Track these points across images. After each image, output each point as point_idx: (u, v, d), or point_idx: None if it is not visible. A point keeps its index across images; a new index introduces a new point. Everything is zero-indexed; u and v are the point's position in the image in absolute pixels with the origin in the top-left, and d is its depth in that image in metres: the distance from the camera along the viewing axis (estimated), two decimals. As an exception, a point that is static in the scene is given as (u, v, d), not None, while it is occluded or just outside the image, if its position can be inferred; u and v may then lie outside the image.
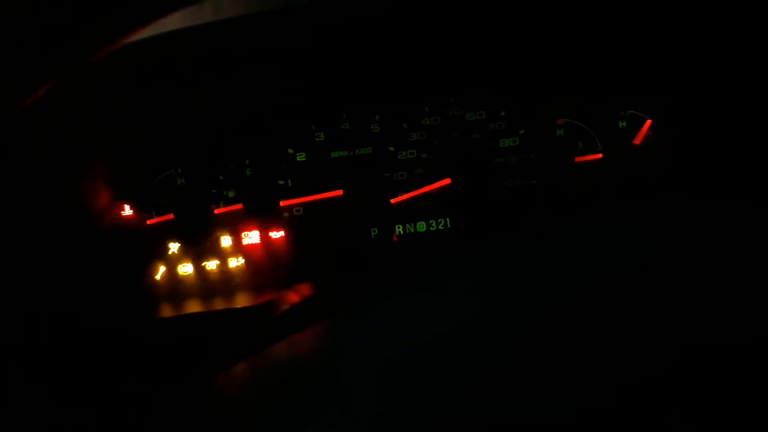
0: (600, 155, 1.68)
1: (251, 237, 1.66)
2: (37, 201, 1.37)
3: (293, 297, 1.53)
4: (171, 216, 1.66)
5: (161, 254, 1.64)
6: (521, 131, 1.67)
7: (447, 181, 1.65)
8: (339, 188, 1.66)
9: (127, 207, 1.65)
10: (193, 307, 1.58)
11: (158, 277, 1.64)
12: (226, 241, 1.65)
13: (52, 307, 1.35)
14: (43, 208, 1.40)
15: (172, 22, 1.27)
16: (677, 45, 1.53)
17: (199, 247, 1.66)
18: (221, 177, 1.66)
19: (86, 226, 1.54)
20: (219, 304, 1.58)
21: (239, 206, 1.66)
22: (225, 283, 1.66)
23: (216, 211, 1.66)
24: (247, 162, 1.67)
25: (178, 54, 1.34)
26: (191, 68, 1.40)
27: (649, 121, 1.68)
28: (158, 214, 1.66)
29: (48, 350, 1.26)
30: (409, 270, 1.63)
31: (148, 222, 1.65)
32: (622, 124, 1.69)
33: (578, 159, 1.68)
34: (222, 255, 1.65)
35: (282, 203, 1.66)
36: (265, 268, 1.65)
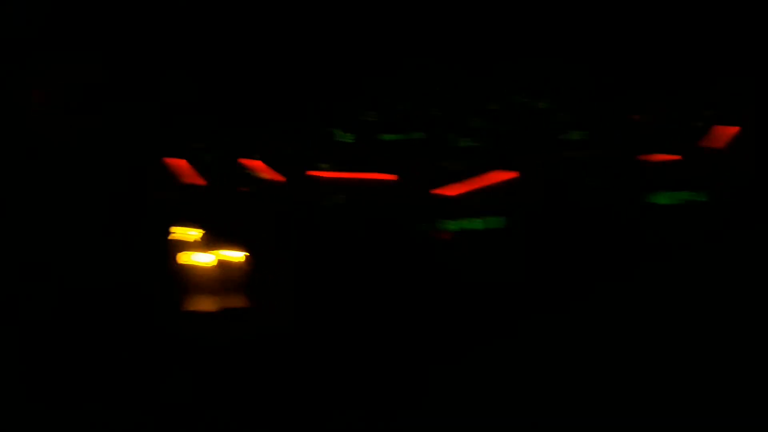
0: (679, 156, 1.51)
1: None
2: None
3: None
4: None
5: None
6: (592, 124, 1.52)
7: (514, 174, 1.47)
8: (391, 173, 1.49)
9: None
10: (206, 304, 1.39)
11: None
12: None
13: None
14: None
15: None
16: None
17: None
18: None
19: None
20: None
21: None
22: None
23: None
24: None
25: None
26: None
27: (736, 128, 1.51)
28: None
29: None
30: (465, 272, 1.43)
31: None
32: (700, 124, 1.53)
33: (653, 158, 1.51)
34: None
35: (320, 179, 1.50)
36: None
